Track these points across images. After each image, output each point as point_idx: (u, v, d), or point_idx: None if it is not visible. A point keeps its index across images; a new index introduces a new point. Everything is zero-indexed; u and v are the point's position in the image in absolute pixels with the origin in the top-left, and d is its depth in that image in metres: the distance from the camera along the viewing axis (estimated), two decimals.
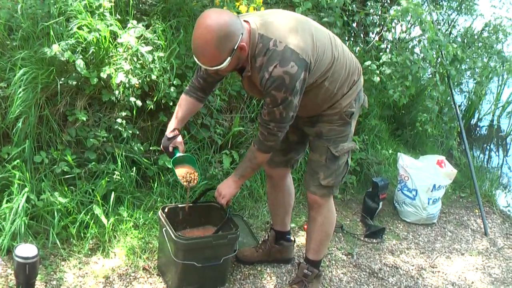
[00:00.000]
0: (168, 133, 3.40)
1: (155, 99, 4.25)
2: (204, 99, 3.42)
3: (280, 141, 3.16)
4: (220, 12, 2.80)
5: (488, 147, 8.25)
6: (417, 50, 5.73)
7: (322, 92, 3.10)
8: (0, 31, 4.06)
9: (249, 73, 2.98)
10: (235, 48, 2.77)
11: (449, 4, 7.15)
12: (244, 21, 2.92)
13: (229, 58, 2.79)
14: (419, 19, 5.05)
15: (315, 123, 3.29)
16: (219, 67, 2.81)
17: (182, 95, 3.41)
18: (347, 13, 5.46)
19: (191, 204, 3.67)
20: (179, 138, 3.44)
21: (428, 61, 5.32)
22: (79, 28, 3.98)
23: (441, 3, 7.05)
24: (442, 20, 7.31)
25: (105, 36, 4.03)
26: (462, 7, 7.18)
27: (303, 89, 2.96)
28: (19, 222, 3.52)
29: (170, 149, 3.42)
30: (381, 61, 5.24)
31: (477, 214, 5.41)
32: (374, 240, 4.58)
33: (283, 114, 2.96)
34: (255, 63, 2.91)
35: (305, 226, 4.05)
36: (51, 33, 3.94)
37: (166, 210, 3.54)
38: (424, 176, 4.94)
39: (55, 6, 4.09)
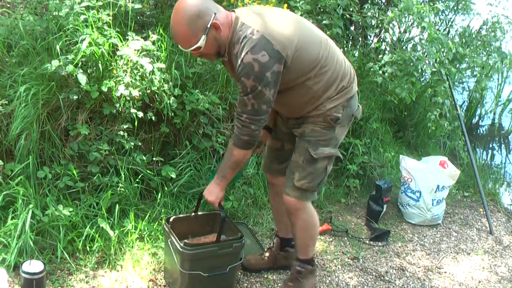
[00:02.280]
0: None
1: (156, 110, 4.27)
2: None
3: (257, 138, 3.10)
4: None
5: (490, 146, 8.24)
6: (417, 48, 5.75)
7: (304, 92, 3.10)
8: (0, 48, 4.08)
9: (225, 58, 3.06)
10: (208, 26, 2.87)
11: (446, 4, 7.15)
12: (232, 11, 3.04)
13: (203, 36, 2.88)
14: (419, 16, 5.05)
15: (301, 124, 3.28)
16: (195, 45, 2.91)
17: None
18: (345, 16, 5.48)
19: (193, 214, 3.68)
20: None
21: (430, 57, 5.29)
22: (79, 42, 3.99)
23: (438, 3, 7.05)
24: (440, 20, 7.31)
25: (105, 49, 4.04)
26: (459, 6, 7.19)
27: (278, 82, 2.96)
28: (25, 238, 3.52)
29: None
30: (383, 61, 5.25)
31: (482, 213, 5.41)
32: (380, 243, 4.58)
33: (255, 105, 2.96)
34: (233, 49, 2.97)
35: None
36: (54, 48, 3.96)
37: (171, 220, 3.54)
38: (427, 177, 4.94)
39: (54, 22, 4.11)
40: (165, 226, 3.48)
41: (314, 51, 3.05)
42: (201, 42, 2.90)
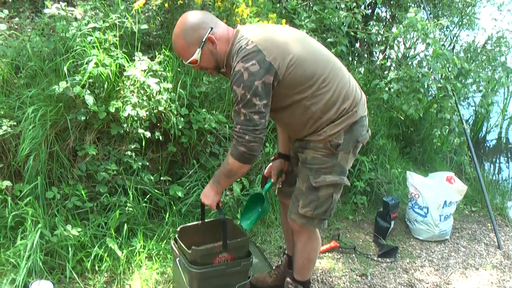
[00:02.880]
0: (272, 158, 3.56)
1: (163, 130, 4.30)
2: None
3: (254, 153, 3.02)
4: (193, 11, 3.04)
5: (497, 160, 8.23)
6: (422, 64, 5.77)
7: (302, 111, 3.07)
8: (8, 70, 4.12)
9: (223, 69, 3.10)
10: (203, 40, 2.96)
11: (450, 19, 7.19)
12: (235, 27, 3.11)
13: (198, 50, 2.97)
14: (423, 32, 5.07)
15: (304, 149, 3.24)
16: (191, 58, 3.00)
17: None
18: (350, 34, 5.51)
19: (201, 222, 3.64)
20: (275, 163, 3.57)
21: (435, 73, 5.30)
22: (86, 63, 4.03)
23: (442, 18, 7.09)
24: (445, 35, 7.34)
25: (112, 70, 4.08)
26: (464, 21, 7.23)
27: (269, 94, 2.94)
28: (34, 258, 3.54)
29: (266, 173, 3.59)
30: (388, 78, 5.26)
31: (490, 227, 5.40)
32: (388, 260, 4.58)
33: (247, 116, 2.93)
34: (231, 61, 3.01)
35: None
36: (61, 69, 4.00)
37: (178, 230, 3.53)
38: (435, 193, 4.93)
39: (61, 43, 4.16)
40: (173, 245, 3.49)
41: (311, 68, 3.02)
42: (196, 55, 2.98)
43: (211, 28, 2.97)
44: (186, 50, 2.99)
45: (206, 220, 3.64)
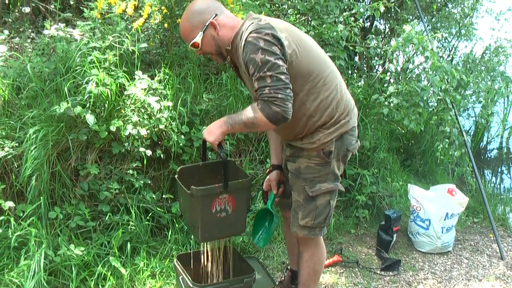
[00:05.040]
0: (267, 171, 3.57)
1: (164, 148, 4.32)
2: None
3: (288, 113, 2.91)
4: None
5: (499, 170, 8.23)
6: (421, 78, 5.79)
7: (297, 106, 3.05)
8: (9, 90, 4.15)
9: (228, 47, 3.12)
10: (206, 24, 3.04)
11: (448, 30, 7.22)
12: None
13: (200, 33, 3.05)
14: (421, 46, 5.09)
15: (296, 157, 3.26)
16: (193, 40, 3.07)
17: None
18: (348, 48, 5.53)
19: (201, 163, 3.54)
20: (272, 175, 3.56)
21: (434, 86, 5.30)
22: (86, 83, 4.05)
23: (440, 30, 7.11)
24: (443, 47, 7.37)
25: (112, 89, 4.10)
26: (462, 32, 7.25)
27: (286, 57, 2.94)
28: (38, 278, 3.55)
29: (265, 187, 3.59)
30: (388, 92, 5.28)
31: (492, 238, 5.39)
32: (391, 273, 4.58)
33: (274, 77, 2.86)
34: (237, 39, 3.05)
35: None
36: (62, 89, 4.04)
37: (178, 170, 3.42)
38: (436, 205, 4.94)
39: (61, 63, 4.18)
40: (176, 263, 3.50)
41: (313, 63, 3.09)
42: (198, 38, 3.06)
43: (216, 15, 3.06)
44: (189, 33, 3.08)
45: (207, 162, 3.56)
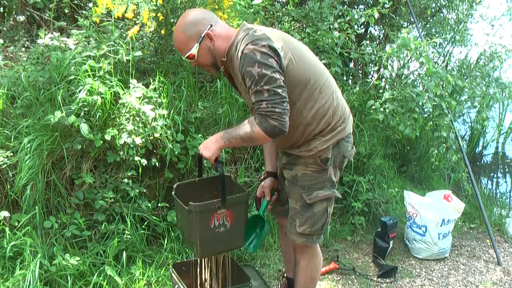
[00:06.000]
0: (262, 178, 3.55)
1: (159, 156, 4.31)
2: None
3: (285, 126, 2.91)
4: (195, 9, 3.18)
5: (495, 175, 8.24)
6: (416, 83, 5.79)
7: (294, 115, 3.03)
8: (3, 100, 4.14)
9: (224, 58, 3.09)
10: (202, 36, 3.00)
11: (443, 36, 7.23)
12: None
13: (196, 45, 3.01)
14: (417, 51, 5.09)
15: (293, 165, 3.27)
16: (189, 52, 3.03)
17: None
18: (343, 55, 5.54)
19: (198, 179, 3.52)
20: (266, 182, 3.54)
21: (429, 92, 5.31)
22: (78, 92, 4.05)
23: (435, 36, 7.12)
24: (438, 53, 7.38)
25: (107, 98, 4.10)
26: (456, 38, 7.26)
27: (282, 68, 2.93)
28: None
29: (258, 193, 3.57)
30: (383, 98, 5.28)
31: (489, 244, 5.40)
32: (388, 280, 4.57)
33: (271, 91, 2.86)
34: (233, 50, 3.03)
35: None
36: (56, 98, 4.02)
37: (175, 187, 3.39)
38: (432, 211, 4.94)
39: (56, 72, 4.17)
40: (172, 272, 3.49)
41: (309, 72, 3.07)
42: (194, 50, 3.02)
43: (211, 25, 3.02)
44: (185, 44, 3.03)
45: (203, 177, 3.55)
